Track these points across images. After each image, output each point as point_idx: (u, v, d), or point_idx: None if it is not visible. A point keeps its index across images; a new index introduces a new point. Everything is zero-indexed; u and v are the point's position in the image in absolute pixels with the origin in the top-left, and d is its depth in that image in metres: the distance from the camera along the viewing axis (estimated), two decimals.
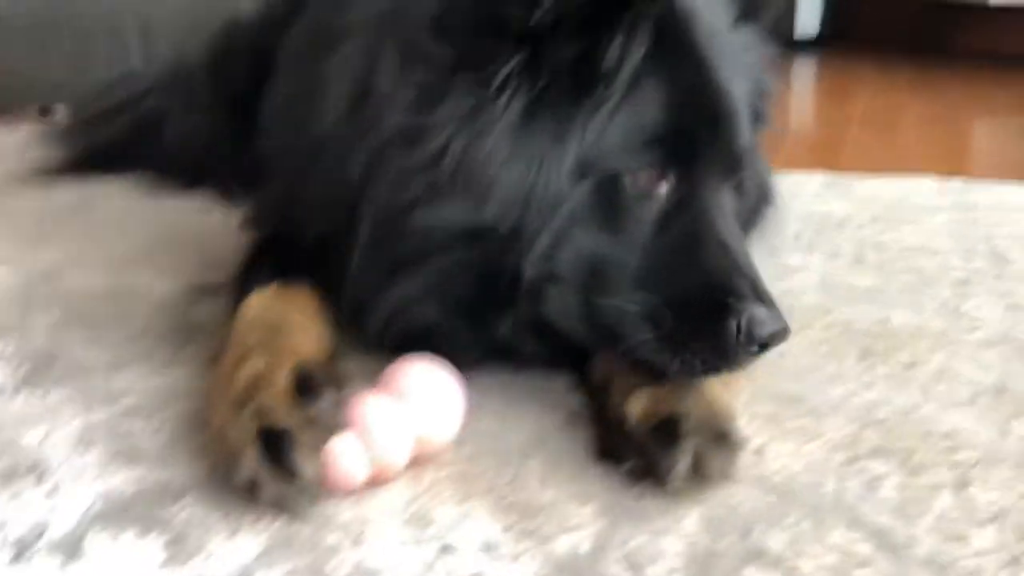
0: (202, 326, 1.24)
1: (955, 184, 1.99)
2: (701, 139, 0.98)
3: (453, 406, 0.95)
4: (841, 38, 5.09)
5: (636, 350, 0.95)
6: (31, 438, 1.00)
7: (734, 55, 1.05)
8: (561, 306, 0.98)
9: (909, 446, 0.96)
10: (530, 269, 0.95)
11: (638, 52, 0.93)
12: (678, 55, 0.97)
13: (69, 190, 2.16)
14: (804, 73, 3.98)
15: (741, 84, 1.05)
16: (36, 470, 0.93)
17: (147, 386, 1.12)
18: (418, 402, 0.92)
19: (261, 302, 1.05)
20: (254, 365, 0.92)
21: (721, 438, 0.89)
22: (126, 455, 0.96)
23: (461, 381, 0.97)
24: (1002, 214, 1.78)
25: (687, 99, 0.97)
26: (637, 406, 0.93)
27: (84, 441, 0.99)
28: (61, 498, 0.88)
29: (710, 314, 0.93)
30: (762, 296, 0.94)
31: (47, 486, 0.90)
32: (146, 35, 2.69)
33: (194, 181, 2.10)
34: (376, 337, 1.03)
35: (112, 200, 2.05)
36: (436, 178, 0.92)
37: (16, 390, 1.11)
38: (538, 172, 0.92)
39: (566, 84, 0.93)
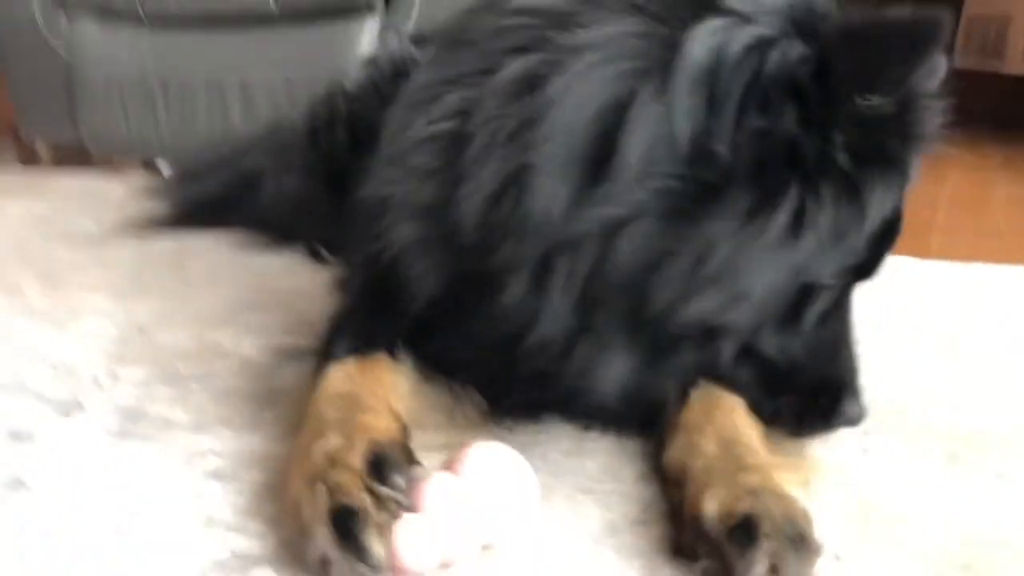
0: (285, 390, 1.27)
1: None
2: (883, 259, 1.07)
3: (524, 491, 0.94)
4: None
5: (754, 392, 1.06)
6: (113, 495, 1.03)
7: None
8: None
9: (1002, 565, 0.91)
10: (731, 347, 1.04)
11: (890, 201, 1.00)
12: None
13: (166, 243, 2.26)
14: None
15: None
16: (118, 531, 0.96)
17: (228, 449, 1.14)
18: (490, 486, 0.92)
19: (340, 375, 1.07)
20: (330, 441, 0.93)
21: (800, 542, 0.86)
22: (204, 520, 0.98)
23: (530, 466, 0.97)
24: None
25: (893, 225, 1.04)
26: (714, 503, 0.91)
27: (165, 502, 1.02)
28: (140, 560, 0.91)
29: (825, 387, 1.08)
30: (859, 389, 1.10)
31: (127, 546, 0.93)
32: (246, 95, 2.81)
33: (286, 240, 2.18)
34: (588, 413, 1.09)
35: (206, 255, 2.14)
36: (697, 279, 0.94)
37: (103, 445, 1.15)
38: (790, 283, 0.98)
39: (834, 212, 0.95)
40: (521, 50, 1.00)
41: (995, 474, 1.09)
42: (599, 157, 0.92)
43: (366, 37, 2.60)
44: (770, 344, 1.05)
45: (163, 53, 2.90)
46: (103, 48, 2.97)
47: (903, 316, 1.65)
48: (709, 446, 1.01)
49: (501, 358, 1.07)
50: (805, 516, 0.91)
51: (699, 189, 0.92)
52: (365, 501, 0.85)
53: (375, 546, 0.83)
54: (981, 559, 0.92)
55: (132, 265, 2.04)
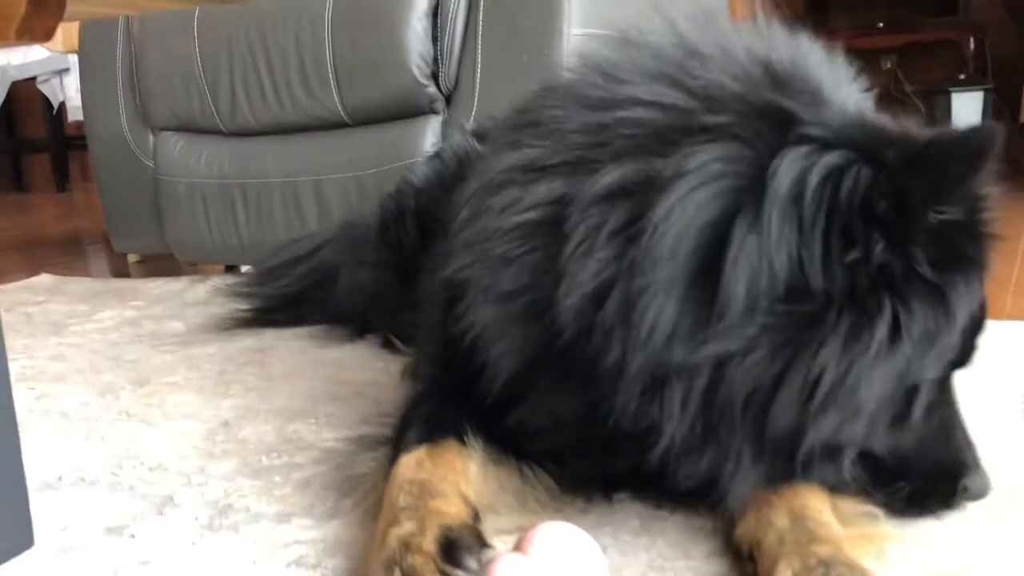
0: (364, 477, 1.31)
1: None
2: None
3: (594, 571, 0.96)
4: (1004, 171, 4.93)
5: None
6: None
7: None
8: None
9: None
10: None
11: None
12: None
13: (248, 340, 2.36)
14: None
15: None
16: None
17: (311, 537, 1.19)
18: (559, 566, 0.93)
19: (411, 462, 1.11)
20: (403, 527, 0.97)
21: None
22: None
23: (599, 546, 0.98)
24: None
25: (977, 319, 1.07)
26: (788, 574, 0.92)
27: None
28: None
29: (942, 472, 1.11)
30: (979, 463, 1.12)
31: None
32: (320, 195, 2.94)
33: (361, 333, 2.27)
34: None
35: (286, 351, 2.23)
36: (812, 404, 0.96)
37: (195, 540, 1.21)
38: (901, 386, 1.01)
39: (922, 319, 0.98)
40: (618, 157, 1.01)
41: None
42: (704, 286, 0.95)
43: (430, 135, 2.73)
44: (881, 445, 1.07)
45: (241, 158, 3.08)
46: (186, 158, 3.18)
47: (986, 380, 1.62)
48: (780, 520, 1.02)
49: (587, 432, 1.09)
50: None
51: (801, 319, 0.95)
52: None
53: None
54: None
55: (217, 363, 2.14)
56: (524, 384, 1.11)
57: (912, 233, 0.96)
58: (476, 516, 1.03)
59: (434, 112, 2.77)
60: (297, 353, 2.21)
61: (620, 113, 1.05)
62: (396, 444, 1.20)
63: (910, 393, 1.03)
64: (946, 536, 1.09)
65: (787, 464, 1.01)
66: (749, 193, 0.95)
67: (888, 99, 1.20)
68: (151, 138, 3.30)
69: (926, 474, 1.10)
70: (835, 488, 1.07)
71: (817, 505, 1.05)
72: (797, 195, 0.94)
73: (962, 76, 5.10)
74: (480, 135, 2.04)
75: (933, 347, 1.00)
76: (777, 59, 1.07)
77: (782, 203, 0.94)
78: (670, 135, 1.00)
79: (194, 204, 3.14)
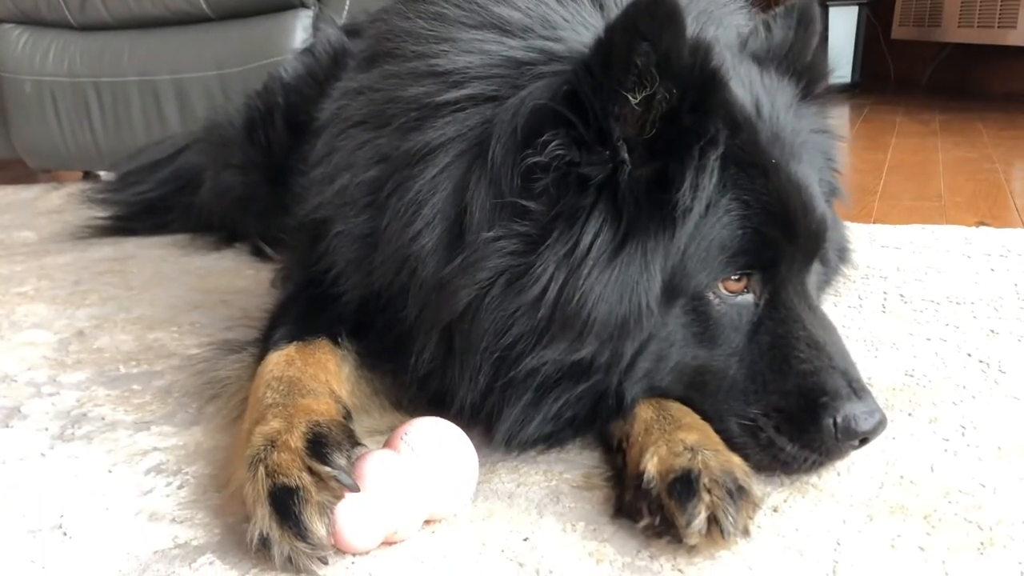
0: (227, 380, 1.25)
1: (985, 231, 1.96)
2: (781, 241, 1.00)
3: (466, 464, 0.95)
4: (872, 85, 5.11)
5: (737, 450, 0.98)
6: (57, 497, 1.02)
7: (801, 144, 1.06)
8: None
9: (934, 506, 0.94)
10: (633, 389, 1.01)
11: (710, 177, 0.95)
12: (748, 168, 0.98)
13: (107, 249, 2.23)
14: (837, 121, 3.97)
15: (813, 168, 1.08)
16: (60, 528, 0.95)
17: (170, 444, 1.14)
18: (431, 460, 0.92)
19: (279, 360, 1.07)
20: (270, 424, 0.93)
21: (739, 493, 0.88)
22: (147, 514, 0.98)
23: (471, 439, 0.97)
24: None
25: (762, 206, 0.98)
26: (654, 460, 0.93)
27: (108, 499, 1.01)
28: (84, 556, 0.90)
29: (807, 415, 0.96)
30: (857, 391, 0.97)
31: (71, 544, 0.92)
32: (181, 96, 2.77)
33: (229, 240, 2.16)
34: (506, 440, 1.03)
35: (147, 259, 2.11)
36: (537, 320, 0.94)
37: (45, 450, 1.13)
38: (630, 303, 0.94)
39: (646, 217, 0.94)
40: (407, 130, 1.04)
41: (927, 419, 1.12)
42: (458, 231, 0.99)
43: (300, 30, 2.59)
44: (697, 357, 1.01)
45: (94, 55, 2.86)
46: (31, 53, 2.93)
47: (848, 281, 1.68)
48: (645, 412, 1.02)
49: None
50: (743, 469, 0.93)
51: (523, 240, 0.95)
52: (304, 480, 0.85)
53: (315, 525, 0.83)
54: (914, 501, 0.95)
55: (72, 273, 2.01)
56: (375, 315, 1.11)
57: (604, 127, 0.92)
58: (348, 415, 1.00)
59: (304, 5, 2.63)
60: (159, 261, 2.10)
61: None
62: (264, 342, 1.15)
63: (696, 304, 0.99)
64: None
65: (542, 397, 1.00)
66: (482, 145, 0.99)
67: (765, 11, 1.18)
68: None
69: (780, 407, 0.98)
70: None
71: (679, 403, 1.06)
72: (511, 130, 0.97)
73: None
74: (352, 31, 1.94)
75: (665, 247, 0.95)
76: (509, 15, 1.06)
77: (499, 140, 0.97)
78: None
79: (43, 105, 2.90)
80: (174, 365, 1.40)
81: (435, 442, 0.94)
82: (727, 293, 1.00)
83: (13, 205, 2.83)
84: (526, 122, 0.95)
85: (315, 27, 2.55)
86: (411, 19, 1.12)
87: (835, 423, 0.95)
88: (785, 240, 1.00)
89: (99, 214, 2.40)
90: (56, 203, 2.82)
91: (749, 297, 1.01)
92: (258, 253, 2.05)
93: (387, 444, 0.95)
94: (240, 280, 1.90)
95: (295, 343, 1.11)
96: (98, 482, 1.05)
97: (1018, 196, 2.39)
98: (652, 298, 0.95)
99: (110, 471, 1.08)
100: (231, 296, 1.77)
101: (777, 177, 1.00)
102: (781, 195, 0.99)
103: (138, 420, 1.21)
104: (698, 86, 0.93)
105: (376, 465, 0.90)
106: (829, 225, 1.07)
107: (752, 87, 1.04)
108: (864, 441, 0.98)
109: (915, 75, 5.20)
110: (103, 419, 1.22)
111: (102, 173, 3.13)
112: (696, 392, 1.02)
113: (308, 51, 2.04)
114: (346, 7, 2.51)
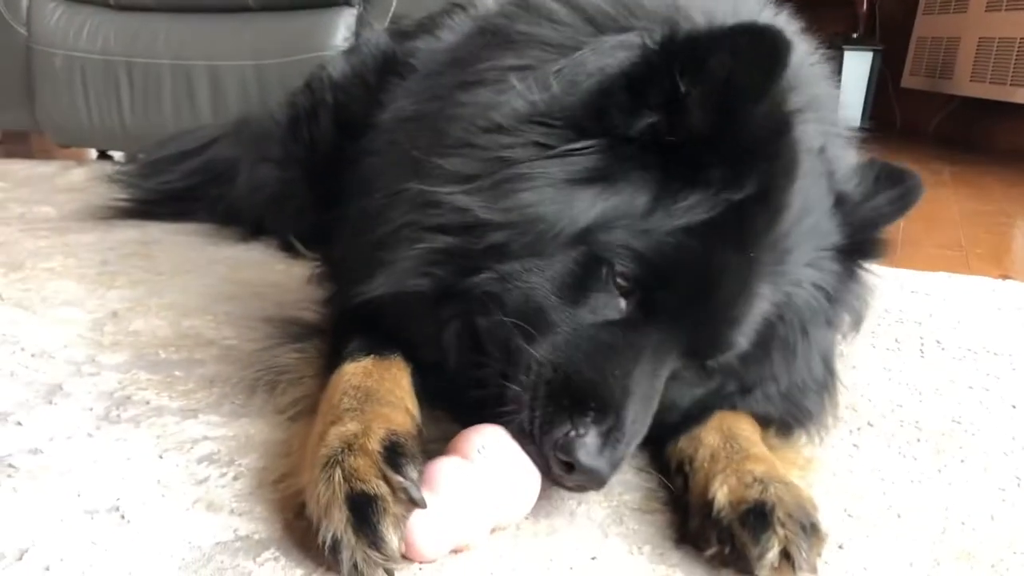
0: (285, 371, 1.23)
1: (1012, 285, 1.99)
2: (676, 308, 0.96)
3: (534, 474, 0.94)
4: (877, 131, 5.16)
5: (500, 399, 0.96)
6: (111, 479, 1.00)
7: (786, 280, 1.02)
8: (488, 329, 1.00)
9: (995, 553, 0.94)
10: (484, 284, 0.97)
11: (704, 207, 0.93)
12: (731, 236, 0.94)
13: (130, 231, 2.21)
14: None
15: (766, 302, 1.00)
16: (118, 511, 0.94)
17: (221, 434, 1.12)
18: (503, 469, 0.91)
19: (357, 371, 1.06)
20: (347, 427, 0.92)
21: (810, 528, 0.88)
22: (205, 503, 0.96)
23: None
24: None
25: (697, 272, 0.95)
26: (724, 491, 0.92)
27: (163, 486, 0.99)
28: (145, 544, 0.89)
29: (566, 412, 0.92)
30: (611, 434, 0.91)
31: (130, 530, 0.91)
32: (215, 84, 2.75)
33: (255, 233, 2.14)
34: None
35: (173, 246, 2.09)
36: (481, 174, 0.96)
37: (92, 430, 1.12)
38: (551, 211, 0.94)
39: (636, 174, 0.95)
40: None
41: (981, 468, 1.13)
42: None
43: (342, 28, 2.58)
44: (548, 298, 0.97)
45: (129, 34, 2.83)
46: (65, 27, 2.89)
47: (883, 324, 1.69)
48: (711, 438, 1.02)
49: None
50: (812, 504, 0.92)
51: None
52: (382, 489, 0.84)
53: (390, 535, 0.82)
54: (979, 548, 0.95)
55: (98, 253, 1.99)
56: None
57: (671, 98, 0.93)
58: (420, 432, 0.98)
59: (348, 4, 2.62)
60: (185, 248, 2.08)
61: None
62: (333, 342, 1.14)
63: (588, 263, 0.96)
64: (862, 466, 1.13)
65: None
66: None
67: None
68: (24, 1, 2.98)
69: (556, 390, 0.94)
70: None
71: (746, 426, 1.07)
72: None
73: (855, 35, 5.24)
74: (397, 34, 1.93)
75: (620, 203, 0.95)
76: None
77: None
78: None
79: (72, 80, 2.87)
80: (214, 355, 1.39)
81: (507, 450, 0.93)
82: (613, 283, 0.96)
83: (32, 179, 2.80)
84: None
85: (358, 26, 2.55)
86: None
87: (569, 432, 0.90)
88: (676, 314, 0.96)
89: (121, 196, 2.37)
90: (75, 180, 2.79)
91: (622, 304, 0.97)
92: (288, 249, 2.03)
93: (454, 451, 0.94)
94: (271, 274, 1.88)
95: (372, 356, 1.09)
96: (151, 467, 1.03)
97: None
98: (568, 227, 0.94)
99: (161, 457, 1.06)
100: (264, 289, 1.75)
101: (731, 269, 0.95)
102: (713, 280, 0.95)
103: (184, 407, 1.20)
104: (765, 136, 0.92)
105: (449, 473, 0.89)
106: (723, 351, 1.02)
107: (803, 193, 0.99)
108: (569, 467, 0.90)
109: (920, 124, 5.25)
110: (148, 403, 1.20)
111: (116, 154, 3.10)
112: (520, 328, 0.96)
113: (355, 51, 2.04)
114: (392, 9, 2.51)
